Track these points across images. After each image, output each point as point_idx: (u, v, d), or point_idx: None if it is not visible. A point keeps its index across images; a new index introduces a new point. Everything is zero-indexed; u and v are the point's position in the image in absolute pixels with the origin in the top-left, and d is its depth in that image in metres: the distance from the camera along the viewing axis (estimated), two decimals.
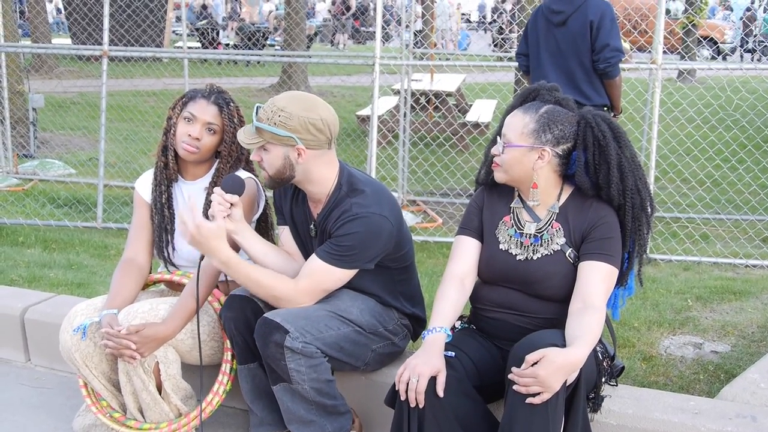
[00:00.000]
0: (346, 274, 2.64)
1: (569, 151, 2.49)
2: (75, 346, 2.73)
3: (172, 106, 2.91)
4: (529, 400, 2.18)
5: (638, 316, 3.93)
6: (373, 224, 2.58)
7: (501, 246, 2.58)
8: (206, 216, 2.66)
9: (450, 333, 2.49)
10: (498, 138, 2.55)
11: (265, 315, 2.55)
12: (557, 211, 2.53)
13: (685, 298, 4.30)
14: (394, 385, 2.39)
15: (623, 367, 2.73)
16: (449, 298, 2.56)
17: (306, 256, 2.83)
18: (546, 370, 2.15)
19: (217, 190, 2.63)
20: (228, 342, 2.78)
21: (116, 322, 2.67)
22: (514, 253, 2.55)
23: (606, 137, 2.44)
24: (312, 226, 2.76)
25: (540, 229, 2.53)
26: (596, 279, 2.41)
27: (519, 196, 2.60)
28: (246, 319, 2.64)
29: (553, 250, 2.51)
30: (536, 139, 2.45)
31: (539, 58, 4.78)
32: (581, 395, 2.30)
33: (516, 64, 5.31)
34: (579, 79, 4.64)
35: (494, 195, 2.66)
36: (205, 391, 2.82)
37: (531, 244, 2.53)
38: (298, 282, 2.63)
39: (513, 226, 2.58)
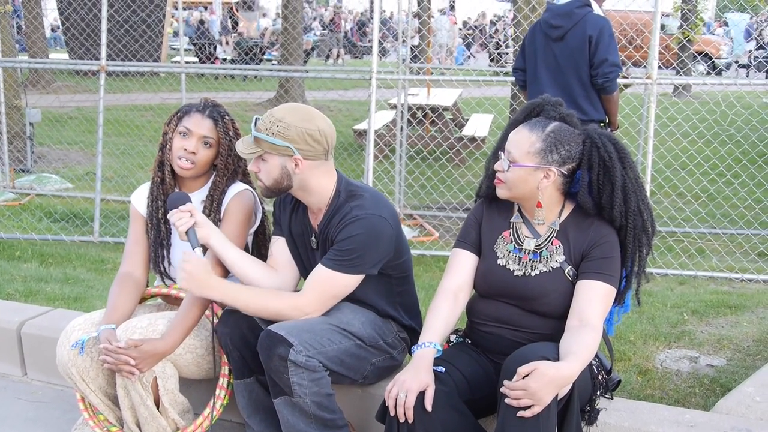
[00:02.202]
0: (352, 280, 2.64)
1: (574, 170, 2.48)
2: (72, 361, 2.73)
3: (168, 121, 2.92)
4: (520, 413, 2.18)
5: (634, 329, 3.93)
6: (373, 226, 2.61)
7: (499, 261, 2.58)
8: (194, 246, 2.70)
9: (440, 348, 2.50)
10: (501, 154, 2.54)
11: (269, 328, 2.55)
12: (557, 228, 2.53)
13: (681, 312, 4.31)
14: (384, 400, 2.40)
15: (620, 381, 2.73)
16: (441, 313, 2.56)
17: (303, 270, 2.84)
18: (537, 383, 2.15)
19: (169, 214, 2.71)
20: (225, 356, 2.79)
21: (114, 337, 2.67)
22: (511, 269, 2.55)
23: (612, 158, 2.43)
24: (313, 237, 2.77)
25: (539, 245, 2.53)
26: (594, 298, 2.41)
27: (519, 210, 2.60)
28: (242, 335, 2.65)
29: (552, 268, 2.50)
30: (542, 159, 2.44)
31: (537, 73, 4.80)
32: (574, 409, 2.31)
33: (512, 78, 5.34)
34: (577, 94, 4.65)
35: (493, 209, 2.66)
36: (203, 406, 2.82)
37: (530, 260, 2.53)
38: (303, 295, 2.64)
39: (512, 242, 2.58)
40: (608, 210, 2.45)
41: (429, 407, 2.32)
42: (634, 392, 3.22)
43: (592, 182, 2.45)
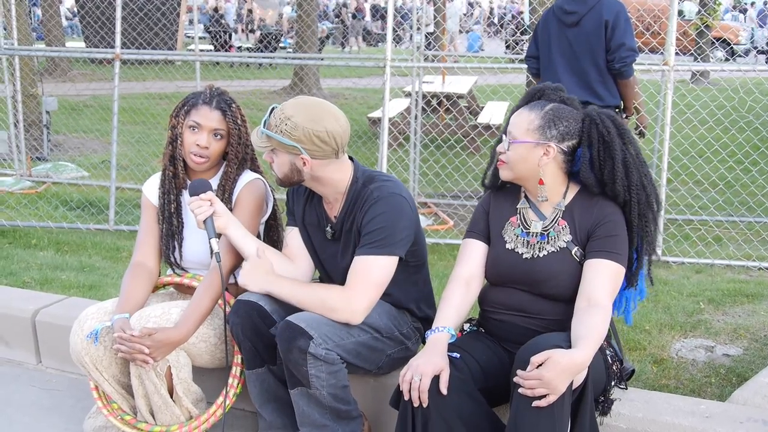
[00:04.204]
0: (389, 262, 2.62)
1: (574, 148, 2.50)
2: (85, 350, 2.74)
3: (175, 113, 2.89)
4: (535, 403, 2.17)
5: (650, 318, 3.90)
6: (394, 203, 2.62)
7: (507, 245, 2.58)
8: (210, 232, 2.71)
9: (454, 333, 2.50)
10: (504, 137, 2.56)
11: (288, 318, 2.54)
12: (563, 209, 2.53)
13: (697, 300, 4.27)
14: (398, 386, 2.39)
15: (633, 370, 2.71)
16: (453, 301, 2.57)
17: (316, 261, 2.84)
18: (551, 372, 2.14)
19: (188, 199, 2.73)
20: (237, 346, 2.79)
21: (128, 326, 2.67)
22: (520, 252, 2.55)
23: (611, 133, 2.46)
24: (329, 228, 2.76)
25: (546, 227, 2.54)
26: (601, 277, 2.41)
27: (525, 196, 2.61)
28: (253, 325, 2.64)
29: (560, 247, 2.51)
30: (541, 135, 2.47)
31: (551, 59, 4.75)
32: (589, 398, 2.29)
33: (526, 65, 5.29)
34: (592, 79, 4.61)
35: (500, 198, 2.67)
36: (216, 394, 2.82)
37: (538, 242, 2.54)
38: (348, 287, 2.62)
39: (519, 226, 2.59)
40: (611, 185, 2.47)
41: (444, 391, 2.31)
42: (649, 382, 3.20)
43: (593, 159, 2.47)
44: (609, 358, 2.53)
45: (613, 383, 2.55)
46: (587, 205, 2.52)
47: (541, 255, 2.52)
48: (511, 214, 2.62)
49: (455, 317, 2.55)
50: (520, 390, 2.19)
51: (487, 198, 2.71)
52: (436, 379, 2.32)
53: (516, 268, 2.55)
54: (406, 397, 2.34)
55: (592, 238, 2.48)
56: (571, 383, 2.20)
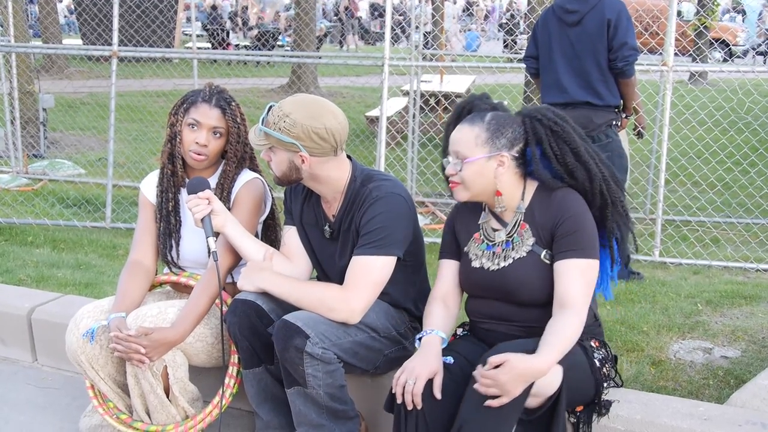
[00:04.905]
0: (387, 262, 2.62)
1: (524, 151, 2.47)
2: (81, 349, 2.73)
3: (174, 111, 2.88)
4: (487, 402, 2.19)
5: (647, 320, 3.89)
6: (393, 203, 2.61)
7: (473, 264, 2.56)
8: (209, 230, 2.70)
9: (444, 336, 2.49)
10: (448, 159, 2.50)
11: (285, 318, 2.53)
12: (523, 212, 2.49)
13: (695, 302, 4.26)
14: (391, 389, 2.38)
15: (615, 357, 2.69)
16: (434, 318, 2.57)
17: (314, 260, 2.83)
18: (506, 375, 2.16)
19: (186, 197, 2.72)
20: (234, 345, 2.77)
21: (125, 325, 2.66)
22: (486, 267, 2.52)
23: (557, 123, 2.44)
24: (327, 227, 2.75)
25: (510, 233, 2.50)
26: (571, 278, 2.37)
27: (486, 208, 2.58)
28: (251, 324, 2.63)
29: (525, 252, 2.47)
30: (492, 147, 2.43)
31: (552, 58, 4.74)
32: (562, 409, 2.30)
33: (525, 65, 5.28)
34: (594, 79, 4.60)
35: (464, 211, 2.65)
36: (213, 394, 2.81)
37: (503, 250, 2.50)
38: (345, 287, 2.61)
39: (484, 241, 2.55)
40: (581, 169, 2.43)
41: (438, 395, 2.31)
42: (647, 383, 3.19)
43: (545, 153, 2.44)
44: (598, 361, 2.49)
45: (605, 385, 2.54)
46: (546, 203, 2.47)
47: (507, 264, 2.48)
48: (475, 230, 2.59)
49: (441, 326, 2.54)
50: (475, 385, 2.21)
51: (452, 214, 2.69)
52: (429, 383, 2.32)
53: (486, 283, 2.53)
54: (399, 400, 2.33)
55: (556, 239, 2.43)
56: (529, 389, 2.20)
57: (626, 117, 4.77)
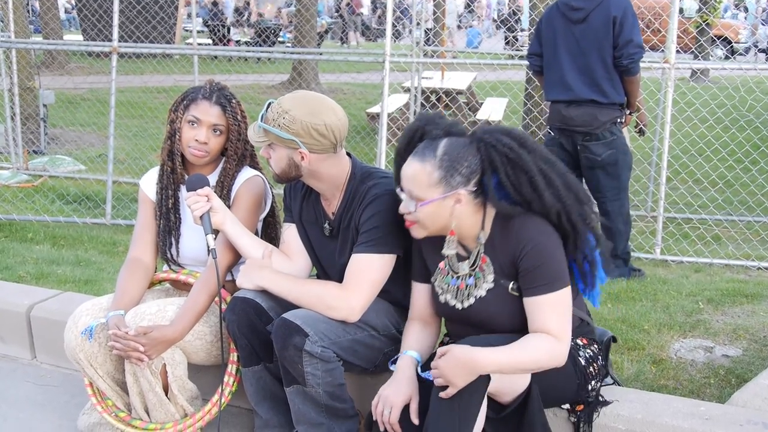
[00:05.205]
0: (386, 260, 2.59)
1: (481, 180, 2.29)
2: (80, 346, 2.72)
3: (174, 108, 2.86)
4: (443, 394, 2.19)
5: (648, 318, 3.88)
6: (391, 202, 2.56)
7: (440, 298, 2.50)
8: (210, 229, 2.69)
9: (418, 357, 2.46)
10: (402, 194, 2.36)
11: (284, 316, 2.52)
12: (483, 242, 2.36)
13: (696, 300, 4.25)
14: (371, 411, 2.39)
15: (613, 337, 2.67)
16: (410, 334, 2.54)
17: (313, 257, 2.81)
18: (446, 364, 2.16)
19: (186, 194, 2.71)
20: (233, 343, 2.76)
21: (123, 323, 2.65)
22: (452, 304, 2.46)
23: (513, 149, 2.25)
24: (326, 225, 2.74)
25: (473, 266, 2.40)
26: (544, 313, 2.26)
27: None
28: (249, 322, 2.62)
29: (488, 289, 2.37)
30: (447, 186, 2.26)
31: (556, 56, 4.72)
32: (533, 407, 2.28)
33: (526, 62, 5.27)
34: (599, 76, 4.58)
35: (428, 239, 2.46)
36: (212, 392, 2.80)
37: (466, 287, 2.41)
38: (344, 285, 2.59)
39: (448, 273, 2.47)
40: (537, 201, 2.26)
41: (415, 420, 2.31)
42: (647, 382, 3.18)
43: (502, 183, 2.26)
44: (583, 359, 2.46)
45: (594, 383, 2.51)
46: (505, 232, 2.32)
47: (472, 303, 2.40)
48: (440, 258, 2.49)
49: (417, 345, 2.50)
50: (432, 372, 2.23)
51: (418, 240, 2.50)
52: (407, 407, 2.31)
53: (455, 318, 2.49)
54: (381, 429, 2.33)
55: (521, 273, 2.30)
56: (483, 384, 2.18)
57: (630, 114, 4.76)
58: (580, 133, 4.64)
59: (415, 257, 2.58)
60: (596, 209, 2.39)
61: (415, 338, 2.52)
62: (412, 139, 2.39)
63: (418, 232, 2.38)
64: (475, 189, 2.29)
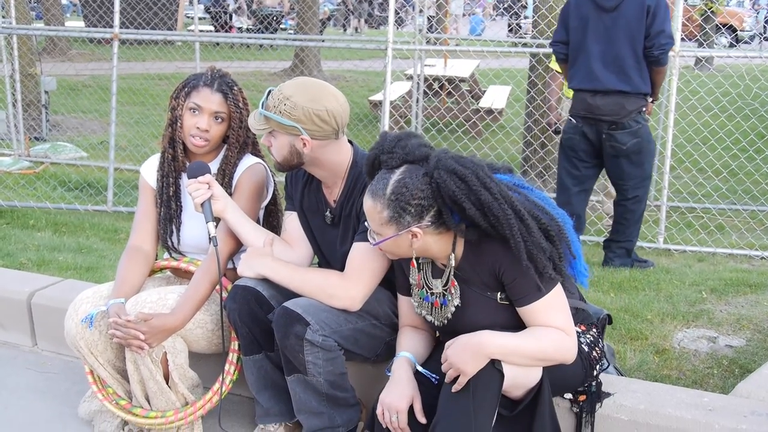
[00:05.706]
0: None
1: (440, 211, 2.21)
2: (80, 334, 2.71)
3: (175, 95, 2.84)
4: (454, 388, 2.18)
5: (651, 308, 3.87)
6: None
7: (417, 311, 2.49)
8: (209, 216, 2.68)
9: (413, 357, 2.44)
10: (366, 224, 2.33)
11: (285, 305, 2.51)
12: (453, 265, 2.31)
13: (700, 290, 4.24)
14: (374, 409, 2.38)
15: (609, 315, 2.64)
16: (404, 338, 2.53)
17: (315, 246, 2.80)
18: (453, 350, 2.17)
19: (186, 181, 2.69)
20: (234, 332, 2.75)
21: (124, 311, 2.63)
22: (429, 320, 2.46)
23: (466, 181, 2.14)
24: (328, 213, 2.72)
25: (445, 285, 2.37)
26: (544, 316, 2.24)
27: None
28: (250, 310, 2.61)
29: (454, 308, 2.34)
30: (398, 225, 2.22)
31: (585, 44, 4.66)
32: (545, 399, 2.27)
33: (530, 50, 5.23)
34: (628, 66, 4.55)
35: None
36: (213, 380, 2.79)
37: (441, 305, 2.40)
38: (346, 273, 2.57)
39: (423, 287, 2.44)
40: (495, 229, 2.16)
41: (422, 419, 2.30)
42: (650, 372, 3.17)
43: (461, 217, 2.21)
44: (586, 345, 2.45)
45: (599, 367, 2.50)
46: (476, 252, 2.27)
47: (449, 317, 2.38)
48: (416, 273, 2.45)
49: (411, 347, 2.48)
50: (443, 366, 2.22)
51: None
52: (412, 408, 2.30)
53: (439, 330, 2.48)
54: None
55: (506, 285, 2.26)
56: (493, 379, 2.15)
57: (653, 102, 4.75)
58: (606, 122, 4.61)
59: (397, 270, 2.55)
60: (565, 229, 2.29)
61: (408, 341, 2.51)
62: (373, 166, 2.34)
63: (389, 256, 2.43)
64: (432, 222, 2.22)
